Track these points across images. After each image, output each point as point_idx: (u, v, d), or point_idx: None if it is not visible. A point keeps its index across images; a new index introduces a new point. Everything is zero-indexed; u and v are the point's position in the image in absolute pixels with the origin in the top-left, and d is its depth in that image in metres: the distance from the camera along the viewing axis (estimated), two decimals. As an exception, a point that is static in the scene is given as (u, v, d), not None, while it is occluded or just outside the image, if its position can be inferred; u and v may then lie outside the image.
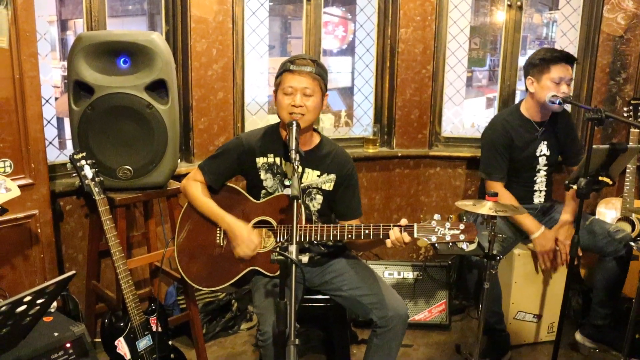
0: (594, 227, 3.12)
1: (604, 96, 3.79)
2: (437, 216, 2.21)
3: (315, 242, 2.49)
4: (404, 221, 2.23)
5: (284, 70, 2.37)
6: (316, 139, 2.54)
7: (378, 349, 2.46)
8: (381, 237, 2.23)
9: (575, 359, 3.21)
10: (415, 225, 2.21)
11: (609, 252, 3.04)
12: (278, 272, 1.86)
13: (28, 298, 1.65)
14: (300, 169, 2.35)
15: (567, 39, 3.90)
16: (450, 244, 2.21)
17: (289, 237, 2.29)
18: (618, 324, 3.18)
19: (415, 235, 2.21)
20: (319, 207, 2.53)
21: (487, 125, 3.27)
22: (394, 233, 2.21)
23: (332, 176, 2.52)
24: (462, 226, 2.19)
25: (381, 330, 2.42)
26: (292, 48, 6.21)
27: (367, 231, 2.25)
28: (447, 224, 2.19)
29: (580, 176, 2.53)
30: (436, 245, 2.23)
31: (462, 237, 2.19)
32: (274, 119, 2.76)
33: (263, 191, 2.51)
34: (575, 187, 2.54)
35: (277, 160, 2.49)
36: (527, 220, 3.08)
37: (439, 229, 2.19)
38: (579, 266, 3.42)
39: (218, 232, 2.49)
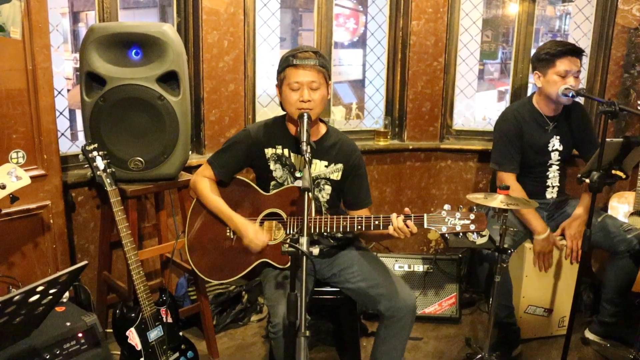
0: (607, 223, 3.09)
1: (618, 89, 3.75)
2: (447, 206, 2.20)
3: (325, 233, 2.49)
4: (406, 210, 2.24)
5: (287, 65, 2.35)
6: (322, 130, 2.54)
7: (386, 341, 2.45)
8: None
9: (586, 353, 3.19)
10: (425, 215, 2.21)
11: (621, 250, 3.01)
12: (288, 264, 1.87)
13: (41, 288, 1.66)
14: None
15: (581, 32, 3.86)
16: (461, 234, 2.20)
17: (299, 229, 2.29)
18: (628, 319, 3.17)
19: (425, 226, 2.21)
20: (327, 197, 2.53)
21: (499, 117, 3.25)
22: (397, 222, 2.21)
23: (340, 166, 2.51)
24: (472, 216, 2.19)
25: (389, 321, 2.42)
26: (303, 40, 6.20)
27: (377, 222, 2.25)
28: (458, 214, 2.19)
29: (593, 170, 2.51)
30: (447, 236, 2.23)
31: (472, 227, 2.19)
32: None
33: (273, 182, 2.51)
34: (587, 180, 2.52)
35: (286, 152, 2.49)
36: (535, 221, 3.05)
37: (449, 219, 2.19)
38: (590, 260, 3.40)
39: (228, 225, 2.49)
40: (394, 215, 2.23)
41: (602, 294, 3.19)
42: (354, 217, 2.30)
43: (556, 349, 3.21)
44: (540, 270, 3.15)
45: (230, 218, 2.44)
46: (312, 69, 2.32)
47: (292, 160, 2.49)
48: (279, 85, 2.41)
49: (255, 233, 2.38)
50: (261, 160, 2.51)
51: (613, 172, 2.58)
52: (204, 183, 2.51)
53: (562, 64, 2.96)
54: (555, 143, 3.15)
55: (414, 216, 2.22)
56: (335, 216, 2.32)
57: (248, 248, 2.40)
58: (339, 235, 2.58)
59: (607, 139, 2.47)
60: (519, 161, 3.15)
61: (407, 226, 2.21)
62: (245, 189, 2.52)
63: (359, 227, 2.28)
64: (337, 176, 2.52)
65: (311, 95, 2.32)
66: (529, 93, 3.95)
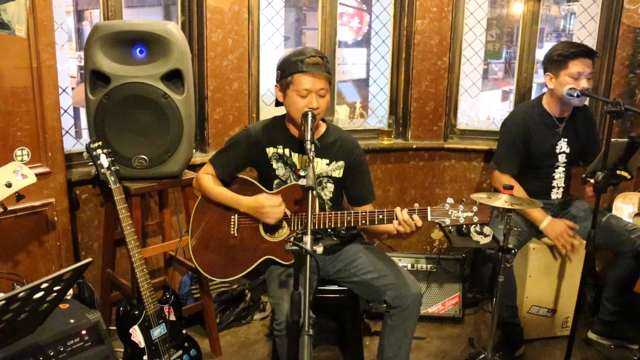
0: (611, 224, 3.08)
1: (623, 89, 3.74)
2: (450, 200, 2.21)
3: (329, 229, 2.49)
4: (416, 205, 2.24)
5: (295, 70, 2.32)
6: (322, 128, 2.54)
7: (394, 330, 2.44)
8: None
9: (589, 354, 3.18)
10: (429, 208, 2.21)
11: (625, 250, 3.00)
12: (292, 261, 1.87)
13: (45, 285, 1.66)
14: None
15: (586, 31, 3.85)
16: (464, 226, 2.20)
17: (303, 227, 2.29)
18: (631, 319, 3.15)
19: (429, 218, 2.21)
20: (330, 195, 2.53)
21: (508, 116, 3.24)
22: (402, 215, 2.21)
23: (341, 163, 2.51)
24: (475, 208, 2.20)
25: (395, 310, 2.40)
26: (307, 39, 6.19)
27: (380, 216, 2.25)
28: (461, 207, 2.20)
29: (598, 170, 2.50)
30: (450, 229, 2.23)
31: (475, 219, 2.20)
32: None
33: (276, 180, 2.51)
34: (592, 180, 2.51)
35: (287, 151, 2.50)
36: (534, 211, 3.04)
37: (452, 212, 2.20)
38: (594, 261, 3.39)
39: (232, 222, 2.49)
40: (398, 209, 2.23)
41: (603, 292, 3.18)
42: (358, 212, 2.30)
43: (559, 349, 3.20)
44: (572, 253, 3.06)
45: (239, 202, 2.43)
46: (321, 76, 2.32)
47: (294, 160, 2.49)
48: (283, 89, 2.40)
49: (270, 199, 2.35)
50: (263, 159, 2.51)
51: (618, 172, 2.58)
52: (207, 178, 2.53)
53: (575, 66, 2.94)
54: (562, 145, 3.14)
55: (417, 209, 2.22)
56: (339, 212, 2.32)
57: (270, 221, 2.36)
58: (343, 232, 2.58)
59: (612, 139, 2.47)
60: (519, 164, 3.14)
61: (412, 219, 2.22)
62: (248, 187, 2.52)
63: (364, 221, 2.28)
64: (339, 173, 2.52)
65: (319, 102, 2.33)
66: (533, 93, 3.95)
